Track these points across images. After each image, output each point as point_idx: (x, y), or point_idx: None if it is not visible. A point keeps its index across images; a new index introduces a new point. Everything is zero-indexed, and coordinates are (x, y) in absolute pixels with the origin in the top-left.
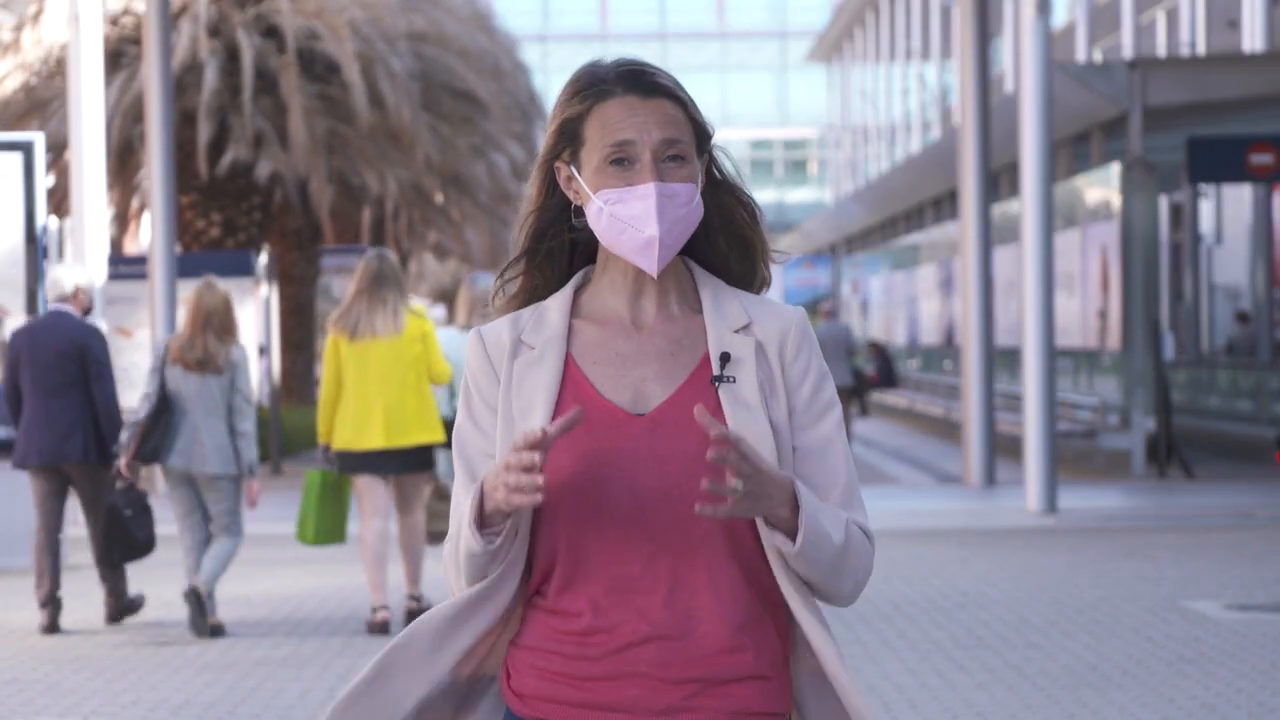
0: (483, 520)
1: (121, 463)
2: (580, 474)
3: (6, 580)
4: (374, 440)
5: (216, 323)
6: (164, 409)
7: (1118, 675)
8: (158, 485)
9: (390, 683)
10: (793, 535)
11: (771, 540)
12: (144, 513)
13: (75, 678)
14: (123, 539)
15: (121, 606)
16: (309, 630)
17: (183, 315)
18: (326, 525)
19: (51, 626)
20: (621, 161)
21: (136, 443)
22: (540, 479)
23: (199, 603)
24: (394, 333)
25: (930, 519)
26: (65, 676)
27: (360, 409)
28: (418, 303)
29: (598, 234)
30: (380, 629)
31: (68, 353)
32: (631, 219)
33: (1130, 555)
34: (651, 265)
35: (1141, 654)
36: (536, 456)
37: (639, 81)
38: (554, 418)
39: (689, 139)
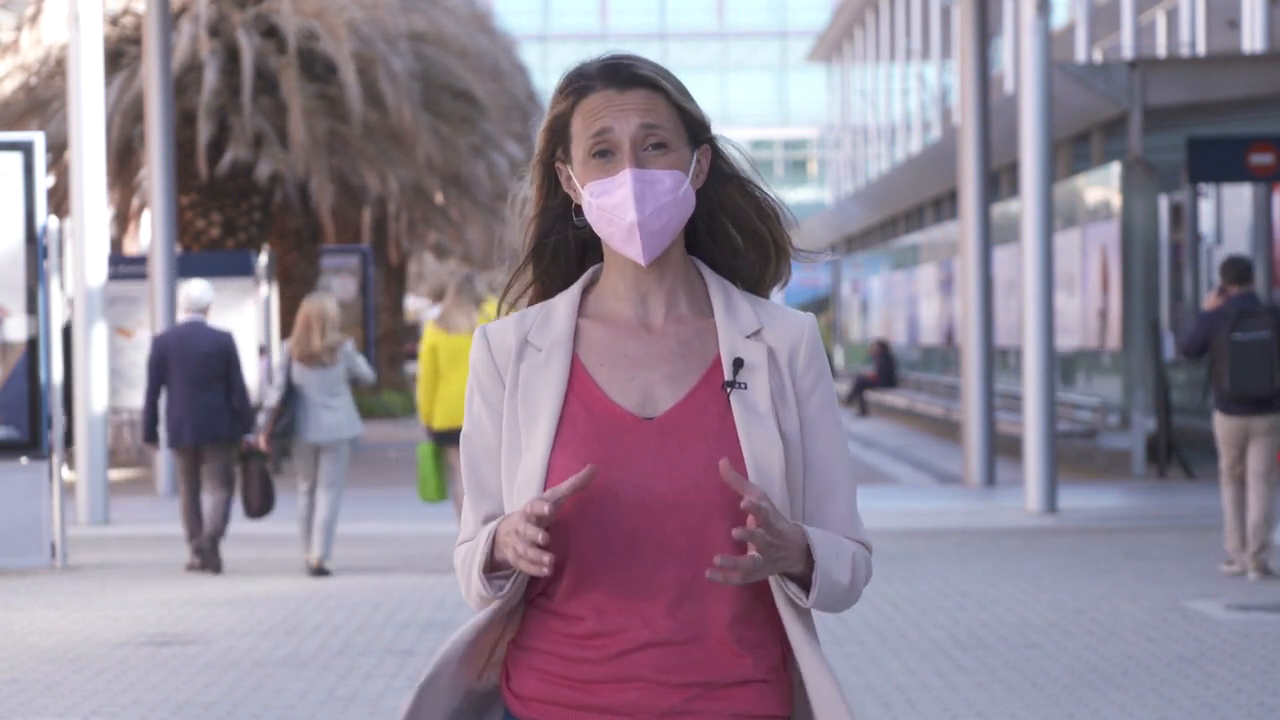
0: (492, 564)
1: (261, 439)
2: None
3: (6, 580)
4: None
5: (320, 325)
6: (289, 396)
7: (1118, 675)
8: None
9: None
10: (806, 586)
11: (785, 591)
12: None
13: (75, 678)
14: (268, 492)
15: (216, 558)
16: (309, 630)
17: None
18: (441, 486)
19: (210, 566)
20: (604, 154)
21: (271, 423)
22: (547, 557)
23: (321, 572)
24: None
25: (930, 519)
26: (65, 676)
27: (461, 393)
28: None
29: (594, 228)
30: None
31: (214, 353)
32: (613, 208)
33: (1130, 555)
34: (638, 254)
35: (1141, 654)
36: (540, 535)
37: (617, 74)
38: (560, 423)
39: (672, 126)
